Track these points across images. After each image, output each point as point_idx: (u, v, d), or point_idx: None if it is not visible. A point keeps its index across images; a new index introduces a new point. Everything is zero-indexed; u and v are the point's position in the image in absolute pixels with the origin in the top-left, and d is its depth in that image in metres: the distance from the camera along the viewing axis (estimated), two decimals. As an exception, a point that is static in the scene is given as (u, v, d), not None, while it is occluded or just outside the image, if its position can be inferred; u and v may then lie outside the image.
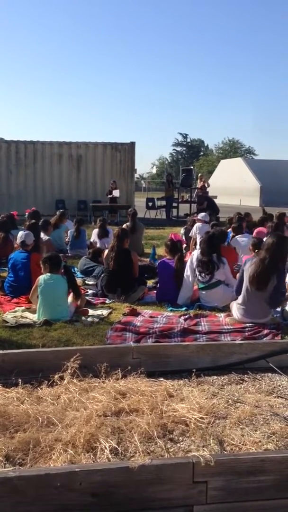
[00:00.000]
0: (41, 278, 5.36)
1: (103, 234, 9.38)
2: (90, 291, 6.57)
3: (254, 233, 8.66)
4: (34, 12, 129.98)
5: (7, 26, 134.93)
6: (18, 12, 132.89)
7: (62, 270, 5.42)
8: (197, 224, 9.86)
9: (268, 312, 5.18)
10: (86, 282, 7.19)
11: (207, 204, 16.16)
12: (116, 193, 17.50)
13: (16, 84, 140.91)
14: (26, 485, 2.02)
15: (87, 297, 6.18)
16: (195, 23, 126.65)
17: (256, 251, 6.40)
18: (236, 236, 8.32)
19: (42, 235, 8.16)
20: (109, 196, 17.72)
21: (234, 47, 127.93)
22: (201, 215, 10.23)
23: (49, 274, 5.32)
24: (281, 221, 9.31)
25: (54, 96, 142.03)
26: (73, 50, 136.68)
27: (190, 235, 9.93)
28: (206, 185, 18.99)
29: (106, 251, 6.63)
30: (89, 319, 5.27)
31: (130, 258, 6.35)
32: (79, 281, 6.78)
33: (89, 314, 5.46)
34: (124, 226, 8.98)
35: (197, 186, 19.03)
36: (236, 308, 5.22)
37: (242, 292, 5.14)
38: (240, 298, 5.17)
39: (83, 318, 5.30)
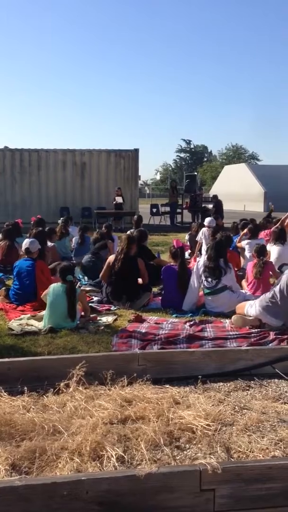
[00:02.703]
0: (52, 287, 5.34)
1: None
2: (95, 298, 6.57)
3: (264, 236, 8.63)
4: (36, 20, 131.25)
5: (10, 35, 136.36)
6: (20, 21, 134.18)
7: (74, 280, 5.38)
8: (203, 229, 9.85)
9: None
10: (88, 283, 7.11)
11: (216, 209, 16.11)
12: (119, 199, 17.60)
13: (19, 92, 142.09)
14: (32, 494, 2.01)
15: (92, 304, 6.18)
16: (198, 28, 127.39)
17: (260, 257, 6.41)
18: (253, 240, 8.26)
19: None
20: (113, 202, 17.86)
21: (238, 52, 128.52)
22: (207, 220, 10.23)
23: (59, 284, 5.32)
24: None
25: (58, 104, 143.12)
26: (76, 57, 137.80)
27: (196, 239, 9.93)
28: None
29: (110, 257, 6.60)
30: (95, 325, 5.27)
31: (136, 265, 6.35)
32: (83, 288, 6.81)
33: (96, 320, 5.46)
34: (128, 232, 8.98)
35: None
36: (259, 305, 5.15)
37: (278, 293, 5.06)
38: (274, 297, 5.06)
39: (91, 326, 5.29)
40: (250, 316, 5.22)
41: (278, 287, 5.06)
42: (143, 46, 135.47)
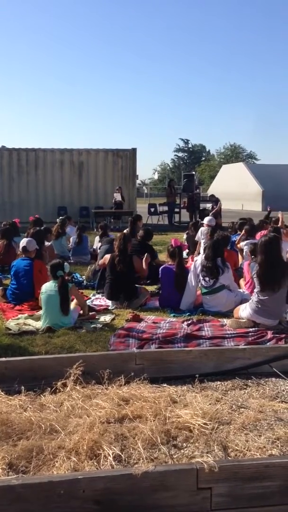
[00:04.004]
0: (44, 286, 5.38)
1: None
2: (92, 297, 6.58)
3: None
4: (34, 20, 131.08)
5: (8, 35, 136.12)
6: (17, 21, 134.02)
7: (67, 277, 5.38)
8: (202, 229, 9.84)
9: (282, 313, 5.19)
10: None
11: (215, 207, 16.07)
12: (117, 196, 17.61)
13: (17, 92, 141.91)
14: (29, 493, 2.01)
15: (89, 303, 6.17)
16: (197, 29, 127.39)
17: (253, 256, 6.42)
18: (251, 240, 8.29)
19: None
20: (113, 201, 17.91)
21: (237, 52, 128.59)
22: (207, 219, 10.24)
23: (52, 282, 5.33)
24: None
25: (55, 104, 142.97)
26: (73, 57, 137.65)
27: (195, 239, 9.93)
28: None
29: (107, 256, 6.59)
30: (92, 325, 5.27)
31: (132, 263, 6.34)
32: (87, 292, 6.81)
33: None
34: (125, 231, 8.98)
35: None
36: (249, 307, 5.19)
37: (258, 293, 5.11)
38: (257, 297, 5.13)
39: (89, 323, 5.30)
40: (244, 319, 5.24)
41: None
42: (142, 46, 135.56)
